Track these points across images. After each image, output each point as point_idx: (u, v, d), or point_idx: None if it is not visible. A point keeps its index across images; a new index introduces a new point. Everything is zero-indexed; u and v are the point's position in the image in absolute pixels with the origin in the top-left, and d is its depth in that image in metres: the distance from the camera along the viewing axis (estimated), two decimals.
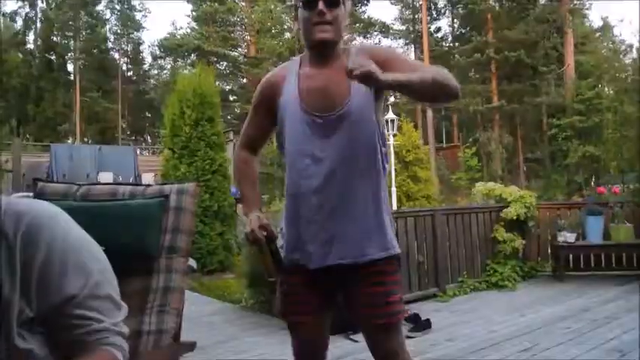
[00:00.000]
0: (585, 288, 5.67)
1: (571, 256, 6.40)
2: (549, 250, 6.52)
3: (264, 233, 1.62)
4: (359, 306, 1.72)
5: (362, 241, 1.69)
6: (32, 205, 0.91)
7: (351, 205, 1.68)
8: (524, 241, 6.12)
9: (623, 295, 5.20)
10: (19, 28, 33.91)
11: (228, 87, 33.38)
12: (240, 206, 9.10)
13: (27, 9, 34.17)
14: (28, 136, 29.79)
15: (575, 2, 25.51)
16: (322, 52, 1.72)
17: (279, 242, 1.72)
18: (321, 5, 1.65)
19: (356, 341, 3.76)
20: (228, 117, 31.82)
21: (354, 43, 32.34)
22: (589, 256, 6.41)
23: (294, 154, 1.71)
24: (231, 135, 12.42)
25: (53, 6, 33.07)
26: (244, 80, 32.54)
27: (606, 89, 22.59)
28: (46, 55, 33.33)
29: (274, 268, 1.65)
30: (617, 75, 22.06)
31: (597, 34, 31.36)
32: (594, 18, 44.06)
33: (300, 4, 1.69)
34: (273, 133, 1.87)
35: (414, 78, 1.53)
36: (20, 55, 32.69)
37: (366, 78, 1.42)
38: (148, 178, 14.92)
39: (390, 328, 1.72)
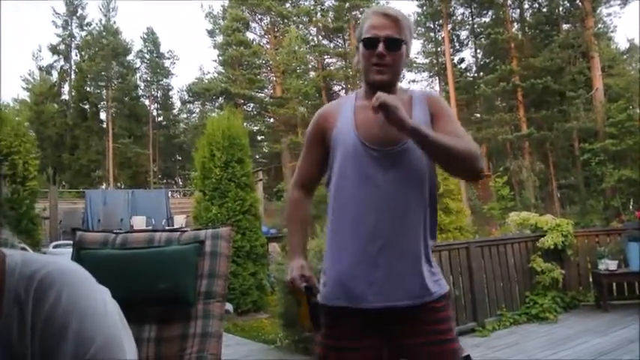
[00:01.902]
0: (630, 318, 5.46)
1: (614, 284, 6.19)
2: (590, 279, 6.32)
3: (304, 284, 1.54)
4: (417, 349, 1.61)
5: (416, 280, 1.61)
6: (47, 262, 0.84)
7: (405, 242, 1.61)
8: (563, 271, 5.95)
9: None
10: (54, 80, 35.34)
11: (255, 127, 33.93)
12: (273, 245, 9.12)
13: (62, 62, 35.68)
14: (63, 183, 30.65)
15: (599, 26, 25.36)
16: (379, 90, 1.65)
17: (320, 289, 1.61)
18: (381, 47, 1.63)
19: None
20: (257, 157, 32.23)
21: None
22: (633, 284, 6.18)
23: (346, 186, 1.64)
24: (260, 175, 12.56)
25: (86, 58, 34.43)
26: (271, 120, 33.05)
27: (638, 111, 22.17)
28: (80, 104, 34.53)
29: (311, 322, 1.55)
30: None
31: (624, 56, 31.02)
32: (620, 40, 43.68)
33: (362, 42, 1.68)
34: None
35: (442, 140, 1.53)
36: (56, 106, 33.98)
37: (385, 109, 1.48)
38: (179, 220, 15.14)
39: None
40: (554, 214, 7.74)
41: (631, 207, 18.02)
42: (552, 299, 5.78)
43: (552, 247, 5.90)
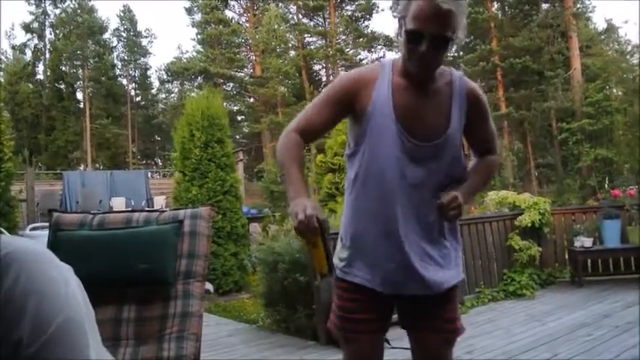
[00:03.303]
0: (605, 293, 5.60)
1: (589, 261, 6.33)
2: (566, 256, 6.45)
3: (318, 224, 1.43)
4: (430, 323, 1.72)
5: (444, 271, 1.69)
6: (7, 243, 0.80)
7: (436, 234, 1.67)
8: (540, 248, 6.06)
9: None
10: (28, 59, 34.47)
11: (235, 107, 33.61)
12: (254, 225, 9.11)
13: (36, 40, 34.78)
14: (40, 165, 30.13)
15: (578, 6, 25.48)
16: (416, 80, 1.63)
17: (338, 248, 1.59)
18: (425, 47, 1.50)
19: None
20: (237, 137, 32.03)
21: (361, 58, 32.49)
22: (607, 261, 6.33)
23: (381, 173, 1.61)
24: (240, 155, 12.48)
25: (61, 36, 33.60)
26: (251, 100, 32.78)
27: (615, 91, 22.43)
28: (56, 84, 33.79)
29: (327, 263, 1.46)
30: (625, 76, 21.87)
31: (602, 37, 31.23)
32: (598, 20, 43.85)
33: (405, 32, 1.53)
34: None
35: (482, 183, 1.82)
36: (30, 86, 33.19)
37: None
38: (159, 201, 14.99)
39: (453, 342, 1.75)
40: (531, 192, 7.85)
41: (606, 186, 18.33)
42: (529, 276, 5.89)
43: (530, 225, 6.00)
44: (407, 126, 1.59)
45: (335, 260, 1.76)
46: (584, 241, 6.08)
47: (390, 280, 1.66)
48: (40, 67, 35.16)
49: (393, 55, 34.89)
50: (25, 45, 34.70)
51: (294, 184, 1.54)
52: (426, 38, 1.49)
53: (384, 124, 1.59)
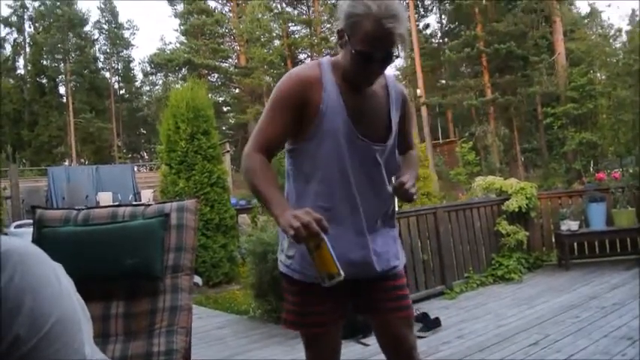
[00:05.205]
0: (591, 275, 5.66)
1: (575, 244, 6.39)
2: (553, 240, 6.51)
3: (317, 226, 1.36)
4: (382, 302, 1.76)
5: (389, 256, 1.77)
6: (3, 241, 0.80)
7: (383, 226, 1.76)
8: (527, 233, 6.11)
9: (629, 281, 5.19)
10: (8, 54, 33.94)
11: (221, 98, 33.40)
12: (242, 217, 9.08)
13: (15, 34, 34.29)
14: (24, 161, 29.76)
15: None
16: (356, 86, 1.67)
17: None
18: (376, 66, 1.57)
19: (367, 345, 3.75)
20: (223, 128, 31.83)
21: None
22: (593, 243, 6.40)
23: (334, 172, 1.63)
24: (227, 146, 12.43)
25: (41, 30, 33.12)
26: (236, 90, 32.58)
27: (598, 75, 22.55)
28: (37, 79, 33.33)
29: (334, 262, 1.38)
30: (609, 60, 21.95)
31: (586, 21, 31.39)
32: (581, 5, 44.15)
33: (353, 50, 1.52)
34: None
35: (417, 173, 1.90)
36: (11, 81, 32.72)
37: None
38: (147, 194, 14.90)
39: (410, 322, 1.81)
40: (518, 177, 7.91)
41: (591, 169, 18.50)
42: (517, 260, 5.94)
43: (517, 209, 6.04)
44: (357, 126, 1.63)
45: (281, 257, 1.78)
46: (571, 225, 6.13)
47: (353, 272, 1.64)
48: (21, 62, 34.68)
49: None
50: (4, 39, 34.16)
51: (274, 202, 1.50)
52: (377, 59, 1.54)
53: (336, 122, 1.60)
